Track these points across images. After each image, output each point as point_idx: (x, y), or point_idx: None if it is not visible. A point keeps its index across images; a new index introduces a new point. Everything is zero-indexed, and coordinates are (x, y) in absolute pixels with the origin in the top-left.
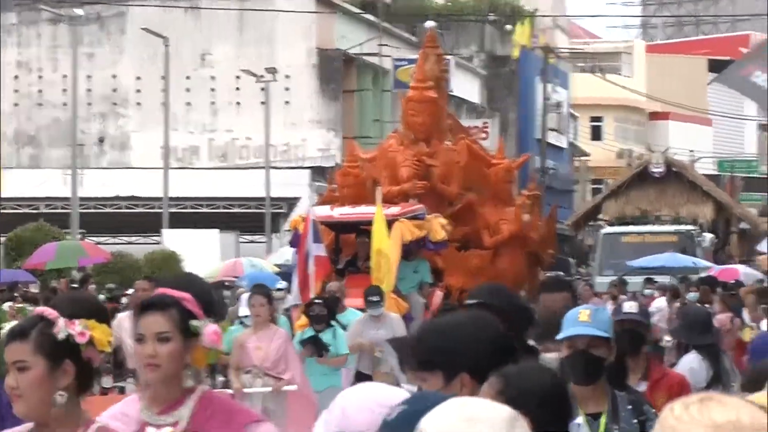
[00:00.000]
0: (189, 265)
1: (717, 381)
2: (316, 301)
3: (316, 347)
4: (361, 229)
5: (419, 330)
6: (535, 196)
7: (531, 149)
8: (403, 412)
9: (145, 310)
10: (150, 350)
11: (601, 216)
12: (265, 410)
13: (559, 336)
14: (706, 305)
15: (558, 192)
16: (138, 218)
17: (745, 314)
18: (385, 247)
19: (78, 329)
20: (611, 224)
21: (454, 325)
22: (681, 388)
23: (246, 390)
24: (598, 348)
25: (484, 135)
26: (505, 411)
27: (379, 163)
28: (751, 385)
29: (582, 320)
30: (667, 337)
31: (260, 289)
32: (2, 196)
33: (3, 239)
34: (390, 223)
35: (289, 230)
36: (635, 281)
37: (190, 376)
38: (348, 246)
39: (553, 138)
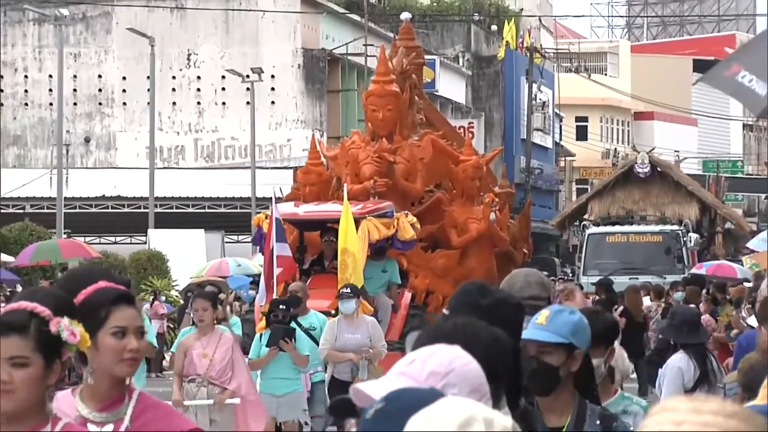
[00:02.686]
0: (175, 265)
1: (704, 380)
2: (281, 306)
3: (285, 333)
4: (327, 227)
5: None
6: (506, 193)
7: (516, 149)
8: (380, 410)
9: (116, 303)
10: (136, 344)
11: (586, 216)
12: (212, 422)
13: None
14: (692, 305)
15: (543, 192)
16: (124, 218)
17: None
18: (352, 246)
19: (71, 328)
20: (596, 224)
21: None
22: None
23: (187, 403)
24: (550, 354)
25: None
26: (464, 410)
27: (341, 161)
28: (748, 392)
29: (538, 323)
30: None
31: (203, 293)
32: None
33: None
34: (357, 221)
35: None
36: (621, 281)
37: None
38: (313, 245)
39: (538, 138)
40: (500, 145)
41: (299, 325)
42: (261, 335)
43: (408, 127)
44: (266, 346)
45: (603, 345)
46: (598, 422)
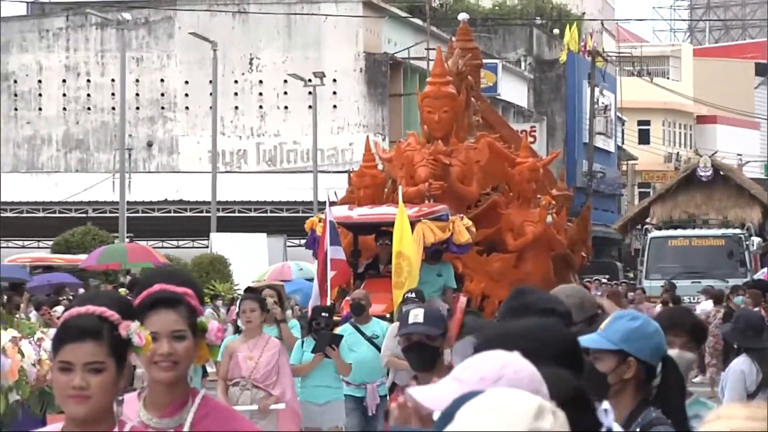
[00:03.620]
0: (237, 269)
1: (766, 384)
2: (323, 313)
3: (332, 339)
4: (381, 230)
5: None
6: (564, 196)
7: (578, 153)
8: (450, 408)
9: (153, 306)
10: (166, 348)
11: (648, 220)
12: None
13: None
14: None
15: (605, 196)
16: (186, 222)
17: None
18: (407, 249)
19: (138, 332)
20: (659, 228)
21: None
22: None
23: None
24: (600, 361)
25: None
26: (533, 402)
27: (396, 163)
28: None
29: (600, 328)
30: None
31: (251, 295)
32: (51, 200)
33: (51, 243)
34: (412, 224)
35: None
36: (683, 285)
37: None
38: (367, 249)
39: (600, 142)
40: (562, 149)
41: (362, 333)
42: (303, 341)
43: (464, 129)
44: (312, 352)
45: (695, 340)
46: (640, 426)
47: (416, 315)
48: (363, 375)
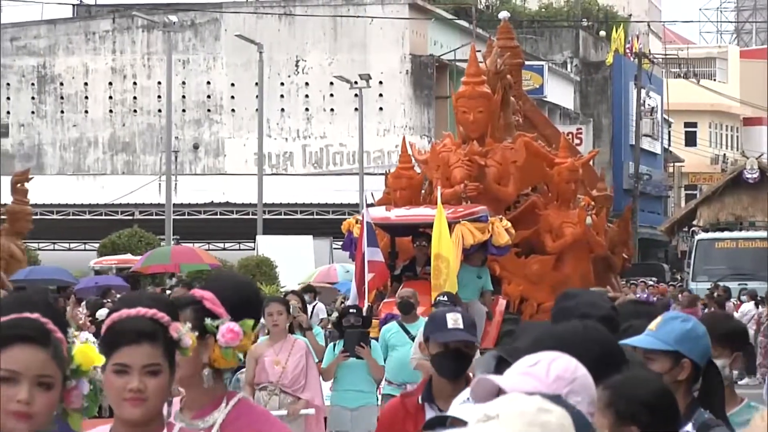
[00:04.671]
0: (283, 271)
1: None
2: (351, 311)
3: (360, 337)
4: (419, 232)
5: (534, 339)
6: (604, 197)
7: (625, 155)
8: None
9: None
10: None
11: (695, 222)
12: None
13: None
14: None
15: (652, 198)
16: (232, 224)
17: None
18: (446, 251)
19: (186, 333)
20: (705, 230)
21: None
22: None
23: None
24: (654, 361)
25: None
26: (532, 403)
27: (432, 164)
28: None
29: (649, 329)
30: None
31: (276, 297)
32: (98, 202)
33: (97, 245)
34: (451, 225)
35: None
36: (730, 287)
37: (208, 376)
38: (404, 250)
39: (647, 144)
40: (609, 151)
41: (407, 332)
42: (334, 345)
43: (501, 129)
44: (342, 352)
45: (728, 348)
46: (695, 427)
47: (455, 320)
48: (405, 375)
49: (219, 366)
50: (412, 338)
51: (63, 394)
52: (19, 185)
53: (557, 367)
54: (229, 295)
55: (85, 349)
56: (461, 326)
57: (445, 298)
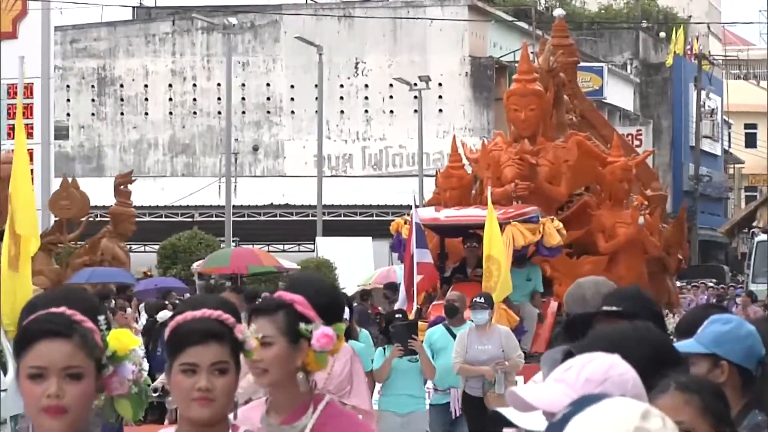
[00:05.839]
0: (343, 273)
1: None
2: (397, 315)
3: (409, 330)
4: (469, 232)
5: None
6: (658, 197)
7: (685, 157)
8: (566, 414)
9: (254, 315)
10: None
11: (755, 223)
12: None
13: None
14: None
15: (712, 199)
16: (292, 226)
17: None
18: (497, 252)
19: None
20: (765, 232)
21: (618, 338)
22: None
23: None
24: (693, 365)
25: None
26: (640, 405)
27: (482, 163)
28: None
29: None
30: None
31: None
32: (158, 204)
33: (157, 247)
34: (501, 226)
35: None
36: None
37: (302, 380)
38: (454, 252)
39: (707, 145)
40: (669, 152)
41: (454, 336)
42: (384, 349)
43: (553, 128)
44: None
45: None
46: (747, 429)
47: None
48: (450, 379)
49: (311, 369)
50: None
51: (103, 382)
52: (122, 187)
53: (588, 370)
54: (315, 298)
55: (118, 334)
56: None
57: (482, 300)
